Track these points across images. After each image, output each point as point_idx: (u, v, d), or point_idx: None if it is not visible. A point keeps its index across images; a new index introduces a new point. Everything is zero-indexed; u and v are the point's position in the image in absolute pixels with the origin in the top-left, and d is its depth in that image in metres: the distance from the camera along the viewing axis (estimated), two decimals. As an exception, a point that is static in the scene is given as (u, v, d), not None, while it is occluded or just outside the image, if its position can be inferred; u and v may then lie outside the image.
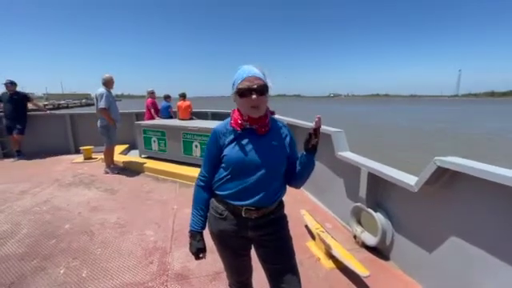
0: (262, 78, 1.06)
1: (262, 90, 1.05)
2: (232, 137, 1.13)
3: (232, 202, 1.14)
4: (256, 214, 1.13)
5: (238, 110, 1.14)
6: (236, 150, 1.11)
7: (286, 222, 1.27)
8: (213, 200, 1.23)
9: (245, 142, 1.12)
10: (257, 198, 1.11)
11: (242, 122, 1.11)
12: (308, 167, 1.16)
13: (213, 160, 1.19)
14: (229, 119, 1.18)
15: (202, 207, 1.22)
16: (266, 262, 1.22)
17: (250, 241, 1.23)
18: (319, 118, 1.03)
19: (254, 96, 1.03)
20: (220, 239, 1.22)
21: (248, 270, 1.35)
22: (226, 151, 1.13)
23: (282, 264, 1.19)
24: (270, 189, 1.14)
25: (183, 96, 6.34)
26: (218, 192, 1.19)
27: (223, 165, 1.16)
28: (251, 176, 1.10)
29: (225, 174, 1.15)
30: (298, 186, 1.26)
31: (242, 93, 1.05)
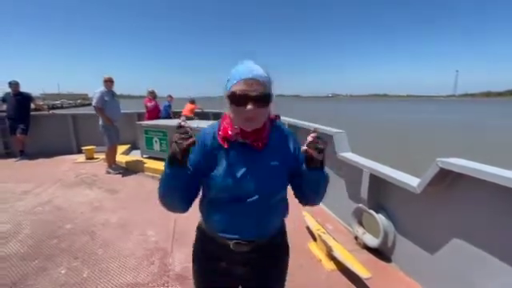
0: (265, 83, 0.77)
1: (263, 99, 0.77)
2: (219, 151, 0.86)
3: (218, 234, 0.90)
4: (247, 247, 0.90)
5: (229, 117, 0.85)
6: (221, 171, 0.84)
7: (285, 254, 1.04)
8: (202, 221, 0.98)
9: (234, 161, 0.85)
10: (247, 231, 0.89)
11: (232, 135, 0.83)
12: (319, 183, 0.90)
13: (196, 165, 0.84)
14: (217, 125, 0.90)
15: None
16: None
17: (238, 278, 0.97)
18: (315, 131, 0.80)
19: (249, 106, 0.75)
20: (207, 261, 0.98)
21: None
22: (210, 170, 0.85)
23: None
24: (263, 219, 0.90)
25: (192, 102, 7.16)
26: (204, 217, 0.96)
27: (205, 185, 0.90)
28: (240, 205, 0.86)
29: (208, 196, 0.91)
30: (313, 204, 0.99)
31: (235, 99, 0.76)
